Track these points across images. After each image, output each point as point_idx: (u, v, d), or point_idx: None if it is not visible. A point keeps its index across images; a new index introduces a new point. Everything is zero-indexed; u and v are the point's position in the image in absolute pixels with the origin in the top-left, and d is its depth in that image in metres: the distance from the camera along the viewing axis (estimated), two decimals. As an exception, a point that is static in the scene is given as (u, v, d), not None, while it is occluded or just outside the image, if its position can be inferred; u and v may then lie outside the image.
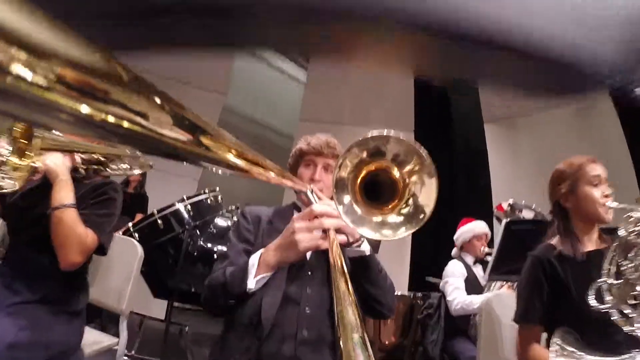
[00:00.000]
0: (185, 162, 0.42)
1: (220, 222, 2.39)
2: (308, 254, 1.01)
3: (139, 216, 2.91)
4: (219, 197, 2.42)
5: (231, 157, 0.44)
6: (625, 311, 0.93)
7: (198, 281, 2.16)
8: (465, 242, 2.72)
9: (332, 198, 0.82)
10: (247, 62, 5.33)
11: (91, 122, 0.26)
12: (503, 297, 1.63)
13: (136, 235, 2.13)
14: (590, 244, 1.20)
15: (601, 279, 1.00)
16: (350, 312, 0.57)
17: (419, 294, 2.92)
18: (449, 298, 2.46)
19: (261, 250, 0.97)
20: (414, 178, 0.80)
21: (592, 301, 0.99)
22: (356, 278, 0.99)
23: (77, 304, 1.30)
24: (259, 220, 1.12)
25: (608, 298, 0.97)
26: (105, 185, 1.35)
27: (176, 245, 2.19)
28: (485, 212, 3.34)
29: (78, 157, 1.30)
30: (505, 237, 2.04)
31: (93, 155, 1.32)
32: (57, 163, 1.21)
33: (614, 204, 1.13)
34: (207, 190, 2.36)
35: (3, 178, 1.08)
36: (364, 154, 0.80)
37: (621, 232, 1.02)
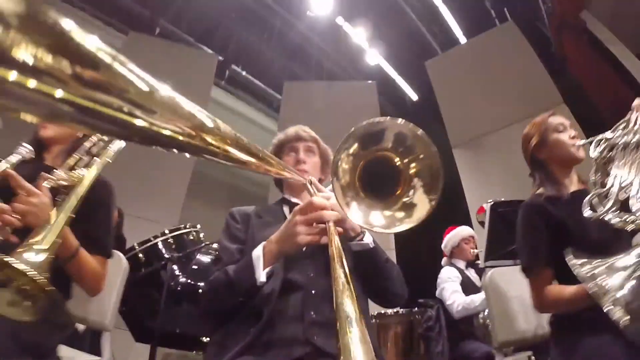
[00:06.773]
0: (186, 154, 0.42)
1: (203, 258, 2.23)
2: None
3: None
4: (200, 234, 2.32)
5: (231, 150, 0.44)
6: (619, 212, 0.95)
7: (184, 321, 1.99)
8: (454, 247, 2.73)
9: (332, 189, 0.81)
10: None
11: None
12: (504, 272, 1.65)
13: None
14: (572, 185, 1.27)
15: (592, 193, 1.04)
16: (349, 305, 0.57)
17: (416, 309, 2.79)
18: (448, 302, 2.43)
19: (263, 243, 0.96)
20: (417, 166, 0.79)
21: (586, 212, 1.01)
22: (363, 272, 0.98)
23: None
24: (248, 217, 1.12)
25: (600, 208, 0.99)
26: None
27: (158, 281, 1.99)
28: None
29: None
30: (492, 219, 2.05)
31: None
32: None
33: (582, 141, 1.26)
34: (188, 225, 2.27)
35: None
36: (362, 144, 0.79)
37: (594, 154, 1.14)
